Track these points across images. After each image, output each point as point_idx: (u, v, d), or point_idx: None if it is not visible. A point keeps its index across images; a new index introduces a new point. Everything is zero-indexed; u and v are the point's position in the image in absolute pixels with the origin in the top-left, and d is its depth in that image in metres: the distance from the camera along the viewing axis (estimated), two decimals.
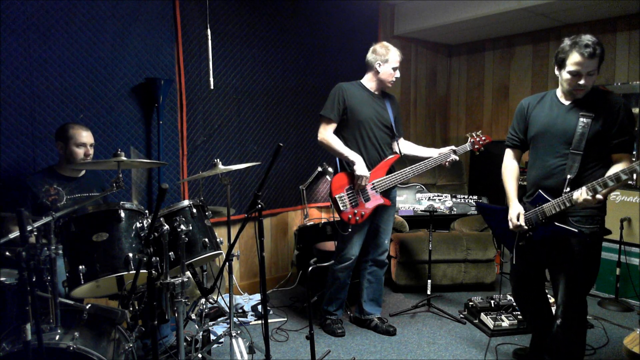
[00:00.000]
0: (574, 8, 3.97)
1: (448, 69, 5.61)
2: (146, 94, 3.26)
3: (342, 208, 2.96)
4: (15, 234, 1.90)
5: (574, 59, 2.16)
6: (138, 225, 2.19)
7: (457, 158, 3.18)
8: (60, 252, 2.04)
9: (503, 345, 3.02)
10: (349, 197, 2.99)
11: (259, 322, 3.39)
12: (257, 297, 3.74)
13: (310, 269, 2.21)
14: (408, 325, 3.38)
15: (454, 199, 3.80)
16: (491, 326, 3.19)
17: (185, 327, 2.72)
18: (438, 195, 3.81)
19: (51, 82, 2.89)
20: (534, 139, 2.43)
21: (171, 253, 2.17)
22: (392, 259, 4.04)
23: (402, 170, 3.08)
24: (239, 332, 2.73)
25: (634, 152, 3.89)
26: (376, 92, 3.14)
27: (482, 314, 3.34)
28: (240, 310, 3.54)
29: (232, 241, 2.30)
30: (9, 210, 2.49)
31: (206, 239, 2.36)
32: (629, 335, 2.76)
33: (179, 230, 2.13)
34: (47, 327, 1.89)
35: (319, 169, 4.01)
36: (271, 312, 3.58)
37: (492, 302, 3.43)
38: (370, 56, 3.08)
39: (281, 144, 2.14)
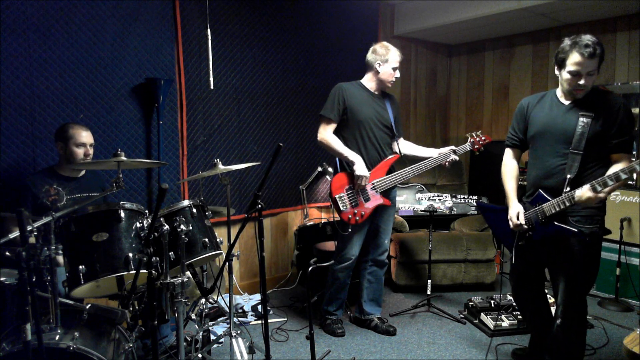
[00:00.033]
0: (574, 8, 3.97)
1: (448, 69, 5.61)
2: (146, 94, 3.26)
3: (342, 208, 2.96)
4: (15, 234, 1.90)
5: (574, 59, 2.16)
6: (138, 225, 2.19)
7: (457, 158, 3.18)
8: (60, 252, 2.04)
9: (503, 345, 3.02)
10: (349, 197, 2.99)
11: (259, 322, 3.39)
12: (257, 297, 3.74)
13: (310, 269, 2.21)
14: (408, 325, 3.38)
15: (454, 199, 3.80)
16: (491, 326, 3.19)
17: (185, 327, 2.72)
18: (438, 195, 3.81)
19: (51, 82, 2.89)
20: (533, 139, 2.43)
21: (171, 253, 2.17)
22: (392, 259, 4.04)
23: (402, 170, 3.08)
24: (239, 332, 2.73)
25: (634, 152, 3.89)
26: (376, 92, 3.13)
27: (482, 314, 3.34)
28: (240, 310, 3.54)
29: (232, 241, 2.30)
30: (9, 210, 2.50)
31: (206, 239, 2.36)
32: (629, 335, 2.76)
33: (179, 230, 2.13)
34: (47, 327, 1.88)
35: (319, 169, 4.00)
36: (271, 312, 3.58)
37: (492, 302, 3.43)
38: (370, 56, 3.08)
39: (281, 144, 2.14)
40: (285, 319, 3.46)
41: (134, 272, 2.03)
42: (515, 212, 2.39)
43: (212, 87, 3.53)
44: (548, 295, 2.69)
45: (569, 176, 2.24)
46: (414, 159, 3.23)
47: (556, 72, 2.30)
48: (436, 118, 5.57)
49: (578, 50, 2.14)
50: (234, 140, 3.77)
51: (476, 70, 5.35)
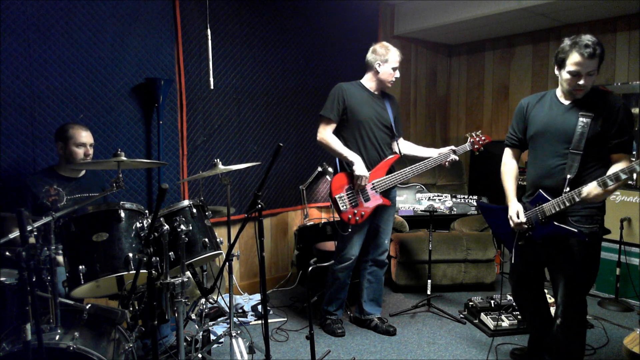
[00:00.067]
0: (574, 8, 3.96)
1: (448, 69, 5.61)
2: (146, 94, 3.26)
3: (342, 208, 2.96)
4: (15, 234, 1.90)
5: (573, 59, 2.16)
6: (138, 225, 2.19)
7: (457, 158, 3.18)
8: (60, 252, 2.04)
9: (503, 345, 3.02)
10: (348, 198, 2.99)
11: (259, 322, 3.39)
12: (257, 297, 3.74)
13: (310, 269, 2.21)
14: (408, 325, 3.38)
15: (454, 199, 3.80)
16: (491, 326, 3.19)
17: (185, 327, 2.72)
18: (438, 195, 3.81)
19: (51, 82, 2.89)
20: (533, 139, 2.43)
21: (171, 253, 2.17)
22: (392, 259, 4.04)
23: (402, 170, 3.09)
24: (239, 332, 2.73)
25: (634, 152, 3.89)
26: (376, 92, 3.13)
27: (482, 314, 3.34)
28: (240, 310, 3.54)
29: (232, 241, 2.30)
30: (9, 210, 2.49)
31: (206, 239, 2.36)
32: (629, 335, 2.76)
33: (179, 230, 2.13)
34: (47, 327, 1.88)
35: (319, 169, 4.00)
36: (271, 312, 3.58)
37: (492, 302, 3.43)
38: (370, 56, 3.08)
39: (281, 144, 2.14)
40: (285, 319, 3.46)
41: (134, 272, 2.03)
42: (515, 211, 2.39)
43: (212, 87, 3.53)
44: (548, 296, 2.69)
45: (568, 176, 2.24)
46: (414, 159, 3.23)
47: (556, 72, 2.30)
48: (436, 118, 5.57)
49: (578, 50, 2.14)
50: (234, 140, 3.77)
51: (476, 70, 5.35)
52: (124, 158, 2.14)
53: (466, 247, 4.00)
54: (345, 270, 3.17)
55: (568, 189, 2.23)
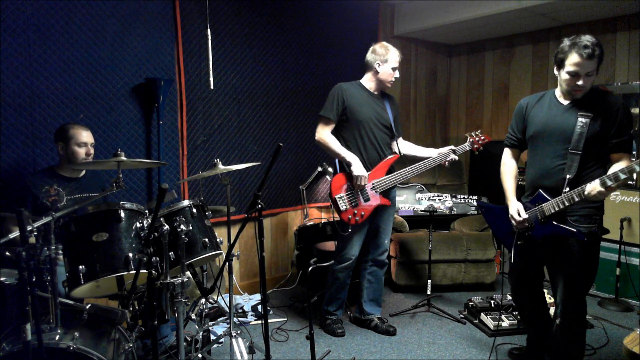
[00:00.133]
0: (574, 8, 3.97)
1: (448, 69, 5.61)
2: (146, 94, 3.26)
3: (342, 208, 2.96)
4: (15, 234, 1.90)
5: (572, 60, 2.16)
6: (138, 225, 2.19)
7: (457, 158, 3.18)
8: (61, 252, 2.04)
9: (503, 345, 3.02)
10: (348, 198, 2.99)
11: (259, 322, 3.39)
12: (257, 297, 3.74)
13: (310, 269, 2.21)
14: (408, 325, 3.38)
15: (454, 199, 3.80)
16: (492, 326, 3.19)
17: (185, 327, 2.72)
18: (438, 195, 3.81)
19: (51, 82, 2.89)
20: (532, 139, 2.43)
21: (171, 253, 2.17)
22: (392, 259, 4.04)
23: (401, 170, 3.09)
24: (239, 332, 2.73)
25: (634, 152, 3.89)
26: (375, 92, 3.14)
27: (482, 314, 3.34)
28: (240, 310, 3.54)
29: (232, 241, 2.30)
30: (9, 210, 2.49)
31: (206, 239, 2.36)
32: (629, 335, 2.76)
33: (179, 230, 2.13)
34: (47, 327, 1.89)
35: (319, 169, 4.01)
36: (271, 312, 3.58)
37: (492, 302, 3.43)
38: (369, 56, 3.08)
39: (281, 144, 2.14)
40: (285, 319, 3.46)
41: (134, 272, 2.03)
42: (515, 209, 2.40)
43: (212, 87, 3.53)
44: (548, 296, 2.69)
45: (568, 176, 2.24)
46: (414, 159, 3.23)
47: (555, 72, 2.31)
48: (436, 118, 5.57)
49: (577, 51, 2.14)
50: (234, 140, 3.77)
51: (476, 70, 5.35)
52: (124, 158, 2.14)
53: (466, 247, 4.00)
54: (345, 270, 3.17)
55: (567, 188, 2.23)
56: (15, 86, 2.76)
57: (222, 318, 3.31)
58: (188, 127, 3.50)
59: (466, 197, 3.86)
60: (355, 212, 2.98)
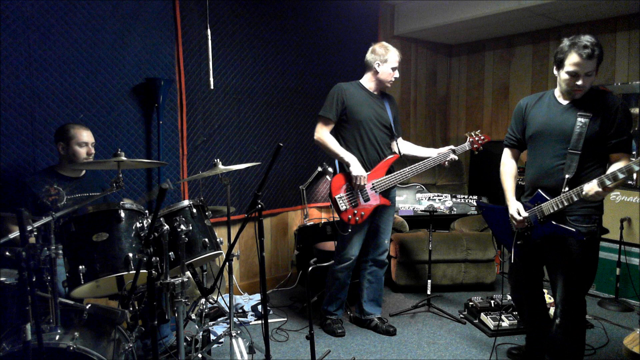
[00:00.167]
0: (574, 8, 3.97)
1: (448, 69, 5.61)
2: (146, 94, 3.26)
3: (341, 208, 2.96)
4: (15, 234, 1.90)
5: (572, 60, 2.16)
6: (138, 225, 2.19)
7: (457, 158, 3.18)
8: (61, 252, 2.04)
9: (503, 345, 3.02)
10: (348, 198, 2.99)
11: (259, 322, 3.39)
12: (257, 297, 3.74)
13: (310, 269, 2.21)
14: (408, 325, 3.38)
15: (454, 199, 3.80)
16: (492, 326, 3.19)
17: (185, 327, 2.72)
18: (438, 195, 3.81)
19: (51, 82, 2.89)
20: (532, 139, 2.43)
21: (171, 253, 2.17)
22: (392, 259, 4.04)
23: (401, 170, 3.09)
24: (239, 332, 2.73)
25: (634, 152, 3.89)
26: (375, 92, 3.14)
27: (482, 314, 3.34)
28: (240, 310, 3.54)
29: (232, 241, 2.30)
30: (9, 210, 2.50)
31: (206, 239, 2.36)
32: (629, 335, 2.75)
33: (179, 230, 2.13)
34: (47, 327, 1.89)
35: (319, 169, 4.01)
36: (271, 312, 3.58)
37: (492, 302, 3.43)
38: (369, 56, 3.08)
39: (281, 144, 2.14)
40: (285, 319, 3.46)
41: (134, 272, 2.03)
42: (515, 209, 2.40)
43: (212, 87, 3.53)
44: (548, 296, 2.69)
45: (567, 176, 2.24)
46: (414, 159, 3.23)
47: (555, 72, 2.31)
48: (436, 118, 5.57)
49: (576, 51, 2.14)
50: (234, 140, 3.77)
51: (476, 70, 5.35)
52: (124, 158, 2.14)
53: (466, 247, 4.00)
54: (345, 270, 3.17)
55: (566, 188, 2.23)
56: (15, 86, 2.76)
57: (222, 318, 3.31)
58: (188, 127, 3.50)
59: (466, 197, 3.86)
60: (355, 212, 2.98)
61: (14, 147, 2.78)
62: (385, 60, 3.02)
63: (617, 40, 4.24)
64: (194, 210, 2.36)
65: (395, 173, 3.09)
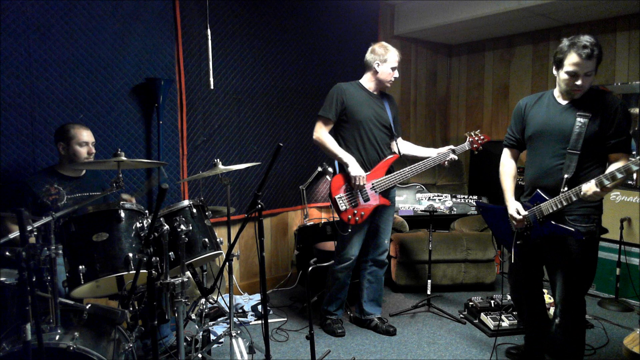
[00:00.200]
0: (574, 8, 3.96)
1: (448, 69, 5.61)
2: (146, 94, 3.26)
3: (341, 208, 2.96)
4: (15, 233, 1.90)
5: (571, 60, 2.16)
6: (138, 225, 2.20)
7: (456, 157, 3.18)
8: (61, 252, 2.04)
9: (503, 345, 3.02)
10: (348, 198, 2.99)
11: (259, 322, 3.39)
12: (257, 297, 3.74)
13: (310, 269, 2.21)
14: (408, 325, 3.38)
15: (454, 199, 3.80)
16: (492, 326, 3.19)
17: (185, 327, 2.73)
18: (438, 195, 3.81)
19: (51, 82, 2.89)
20: (531, 139, 2.43)
21: (171, 253, 2.17)
22: (392, 259, 4.04)
23: (401, 170, 3.09)
24: (239, 332, 2.73)
25: (633, 152, 3.89)
26: (375, 92, 3.14)
27: (482, 314, 3.34)
28: (240, 310, 3.54)
29: (232, 241, 2.30)
30: (9, 210, 2.50)
31: (206, 239, 2.36)
32: (629, 335, 2.75)
33: (179, 230, 2.13)
34: (47, 327, 1.89)
35: (319, 169, 4.01)
36: (271, 312, 3.58)
37: (492, 302, 3.44)
38: (369, 56, 3.08)
39: (281, 144, 2.14)
40: (285, 319, 3.46)
41: (134, 272, 2.04)
42: (514, 209, 2.40)
43: (212, 87, 3.53)
44: (548, 296, 2.68)
45: (566, 176, 2.24)
46: (413, 159, 3.23)
47: (554, 72, 2.31)
48: (436, 118, 5.57)
49: (576, 51, 2.14)
50: (234, 140, 3.77)
51: (476, 70, 5.35)
52: (124, 158, 2.15)
53: (466, 247, 4.00)
54: (345, 270, 3.17)
55: (566, 188, 2.23)
56: (15, 86, 2.76)
57: (222, 318, 3.31)
58: (188, 127, 3.51)
59: (466, 197, 3.87)
60: (355, 212, 2.98)
61: (14, 147, 2.78)
62: (384, 60, 3.02)
63: (617, 40, 4.24)
64: (194, 210, 2.36)
65: (395, 173, 3.09)
